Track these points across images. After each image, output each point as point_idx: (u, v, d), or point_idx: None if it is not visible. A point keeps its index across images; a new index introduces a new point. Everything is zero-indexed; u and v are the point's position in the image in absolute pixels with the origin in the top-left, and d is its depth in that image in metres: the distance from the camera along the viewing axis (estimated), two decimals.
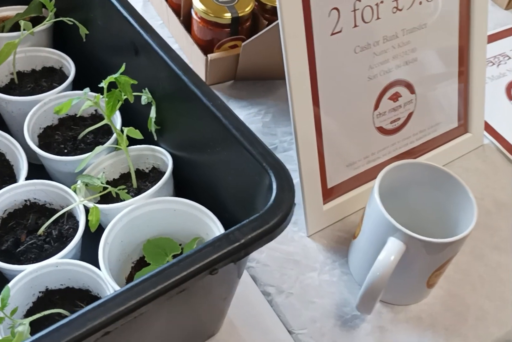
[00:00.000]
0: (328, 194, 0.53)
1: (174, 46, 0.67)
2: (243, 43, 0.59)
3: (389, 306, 0.49)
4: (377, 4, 0.49)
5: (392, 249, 0.43)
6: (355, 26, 0.49)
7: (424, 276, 0.46)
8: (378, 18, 0.50)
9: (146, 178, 0.45)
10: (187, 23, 0.64)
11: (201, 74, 0.63)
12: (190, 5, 0.62)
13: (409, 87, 0.55)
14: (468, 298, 0.50)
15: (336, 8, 0.47)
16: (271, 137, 0.60)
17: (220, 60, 0.61)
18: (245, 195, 0.37)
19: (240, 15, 0.60)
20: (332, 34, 0.48)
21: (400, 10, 0.51)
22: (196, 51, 0.62)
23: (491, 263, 0.53)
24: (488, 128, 0.65)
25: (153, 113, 0.42)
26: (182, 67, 0.38)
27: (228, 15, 0.60)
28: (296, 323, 0.47)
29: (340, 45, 0.49)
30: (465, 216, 0.46)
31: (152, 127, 0.43)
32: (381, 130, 0.55)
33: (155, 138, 0.44)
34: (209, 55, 0.60)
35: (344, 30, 0.48)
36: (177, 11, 0.65)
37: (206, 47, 0.62)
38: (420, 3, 0.52)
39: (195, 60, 0.63)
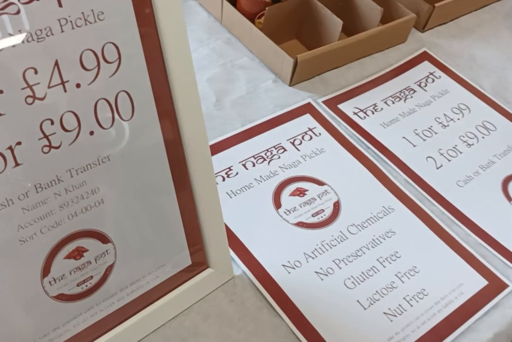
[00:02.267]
0: None
1: None
2: None
3: None
4: (10, 148, 0.36)
5: None
6: None
7: None
8: (17, 164, 0.37)
9: None
10: None
11: None
12: None
13: (100, 236, 0.42)
14: None
15: None
16: None
17: None
18: None
19: None
20: None
21: (57, 147, 0.38)
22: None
23: None
24: (245, 254, 0.53)
25: None
26: None
27: None
28: None
29: None
30: None
31: None
32: (64, 297, 0.41)
33: None
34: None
35: None
36: None
37: None
38: (92, 133, 0.39)
39: None
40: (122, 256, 0.43)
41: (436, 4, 0.78)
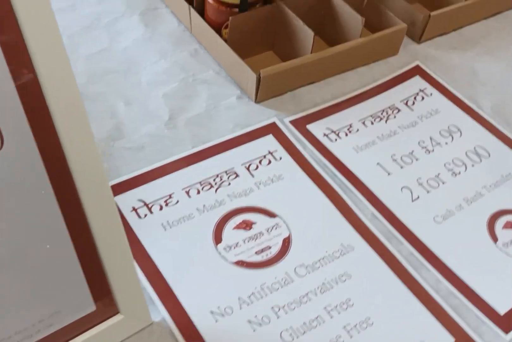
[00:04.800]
0: None
1: None
2: None
3: None
4: None
5: None
6: None
7: None
8: None
9: None
10: None
11: None
12: None
13: None
14: None
15: None
16: None
17: None
18: None
19: None
20: None
21: None
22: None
23: None
24: (169, 297, 0.47)
25: None
26: None
27: None
28: None
29: None
30: None
31: None
32: None
33: None
34: None
35: None
36: None
37: None
38: None
39: None
40: (2, 301, 0.38)
41: (432, 13, 0.70)
